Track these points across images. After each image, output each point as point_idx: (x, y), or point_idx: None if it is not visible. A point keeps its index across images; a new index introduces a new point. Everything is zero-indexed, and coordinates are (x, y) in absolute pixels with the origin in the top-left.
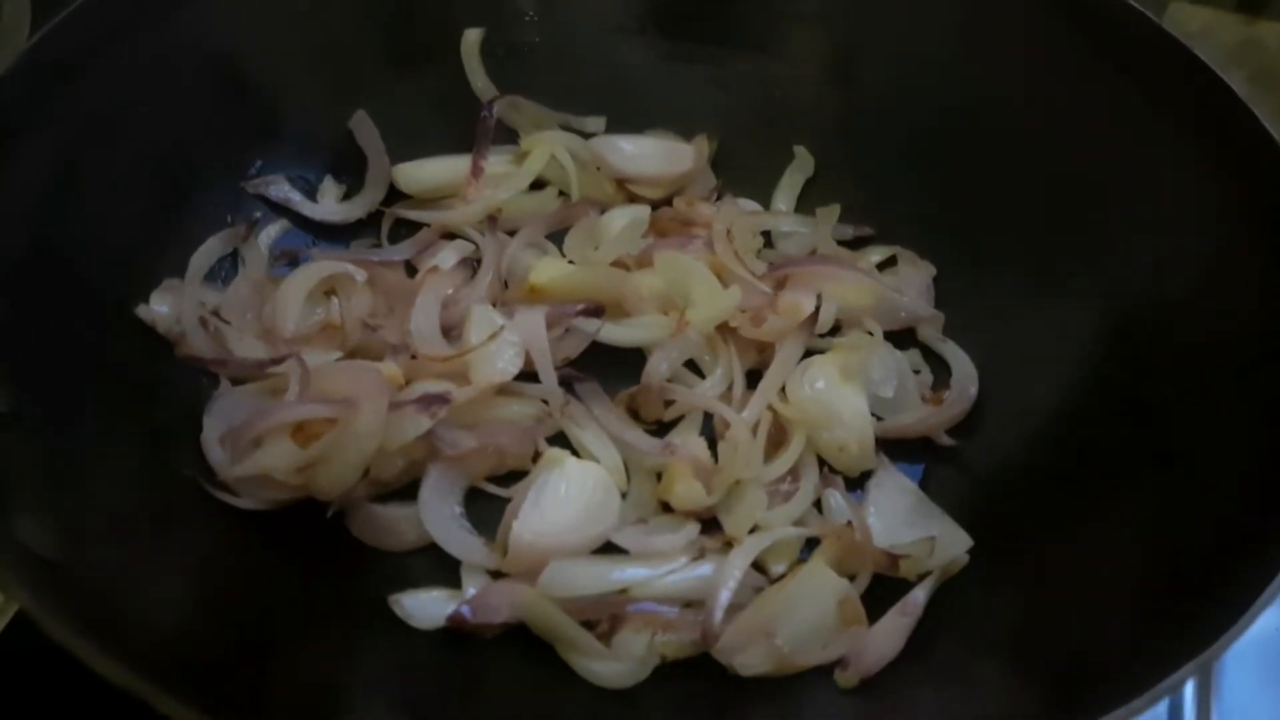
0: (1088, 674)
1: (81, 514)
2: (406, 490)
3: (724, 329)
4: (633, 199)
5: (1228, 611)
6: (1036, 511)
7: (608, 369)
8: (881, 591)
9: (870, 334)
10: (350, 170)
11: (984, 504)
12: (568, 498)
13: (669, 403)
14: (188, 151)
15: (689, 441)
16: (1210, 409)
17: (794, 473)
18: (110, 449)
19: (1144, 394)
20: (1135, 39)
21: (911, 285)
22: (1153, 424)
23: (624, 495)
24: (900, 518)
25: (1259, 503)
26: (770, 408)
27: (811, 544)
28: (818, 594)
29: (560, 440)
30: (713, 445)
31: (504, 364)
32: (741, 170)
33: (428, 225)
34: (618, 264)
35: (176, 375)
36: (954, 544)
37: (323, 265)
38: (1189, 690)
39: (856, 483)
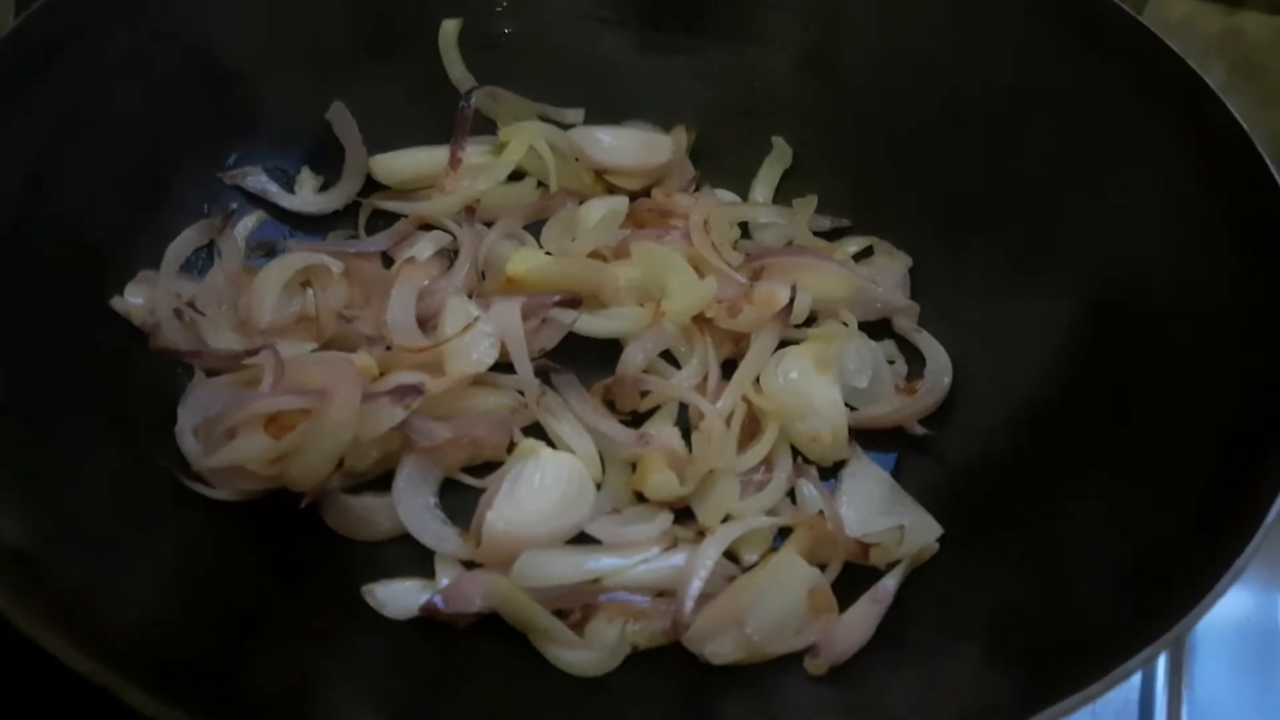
0: (1060, 657)
1: (54, 506)
2: (381, 481)
3: (700, 320)
4: (611, 190)
5: (1197, 589)
6: (1009, 498)
7: (584, 360)
8: (853, 580)
9: (845, 324)
10: (328, 161)
11: (957, 492)
12: (542, 488)
13: (645, 393)
14: (165, 142)
15: (663, 432)
16: (1181, 395)
17: (767, 463)
18: (84, 441)
19: (1116, 381)
20: (1113, 30)
21: (888, 276)
22: (1125, 410)
23: (599, 486)
24: (873, 507)
25: (1227, 485)
26: (745, 398)
27: (785, 533)
28: (788, 583)
29: (536, 431)
30: (688, 436)
31: (479, 355)
32: (720, 161)
33: (405, 216)
34: (595, 255)
35: (152, 367)
36: (925, 532)
37: (299, 256)
38: (1160, 679)
39: (830, 472)
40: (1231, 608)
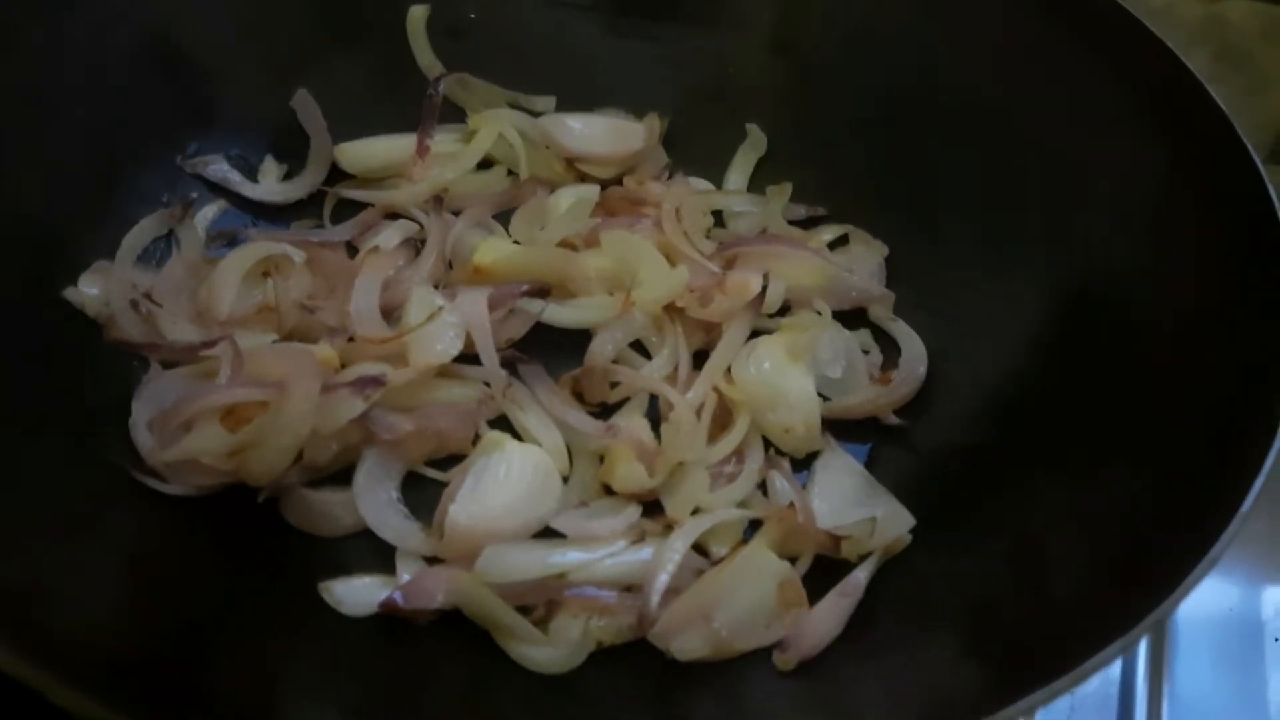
0: (1033, 648)
1: (2, 505)
2: (342, 475)
3: (671, 309)
4: (583, 178)
5: (1172, 579)
6: (983, 488)
7: (552, 350)
8: (825, 572)
9: (819, 314)
10: (292, 149)
11: (931, 482)
12: (507, 481)
13: (614, 384)
14: (122, 129)
15: (632, 423)
16: (1157, 384)
17: (738, 454)
18: (34, 435)
19: (1092, 370)
20: (1093, 14)
21: (863, 265)
22: (1099, 400)
23: (566, 478)
24: (845, 498)
25: (1203, 470)
26: (716, 389)
27: (756, 526)
28: (757, 577)
29: (502, 423)
30: (657, 427)
31: (443, 346)
32: (693, 148)
33: (371, 205)
34: (565, 244)
35: (106, 359)
36: (897, 523)
37: (260, 246)
38: (1141, 672)
39: (803, 464)
40: (1213, 600)
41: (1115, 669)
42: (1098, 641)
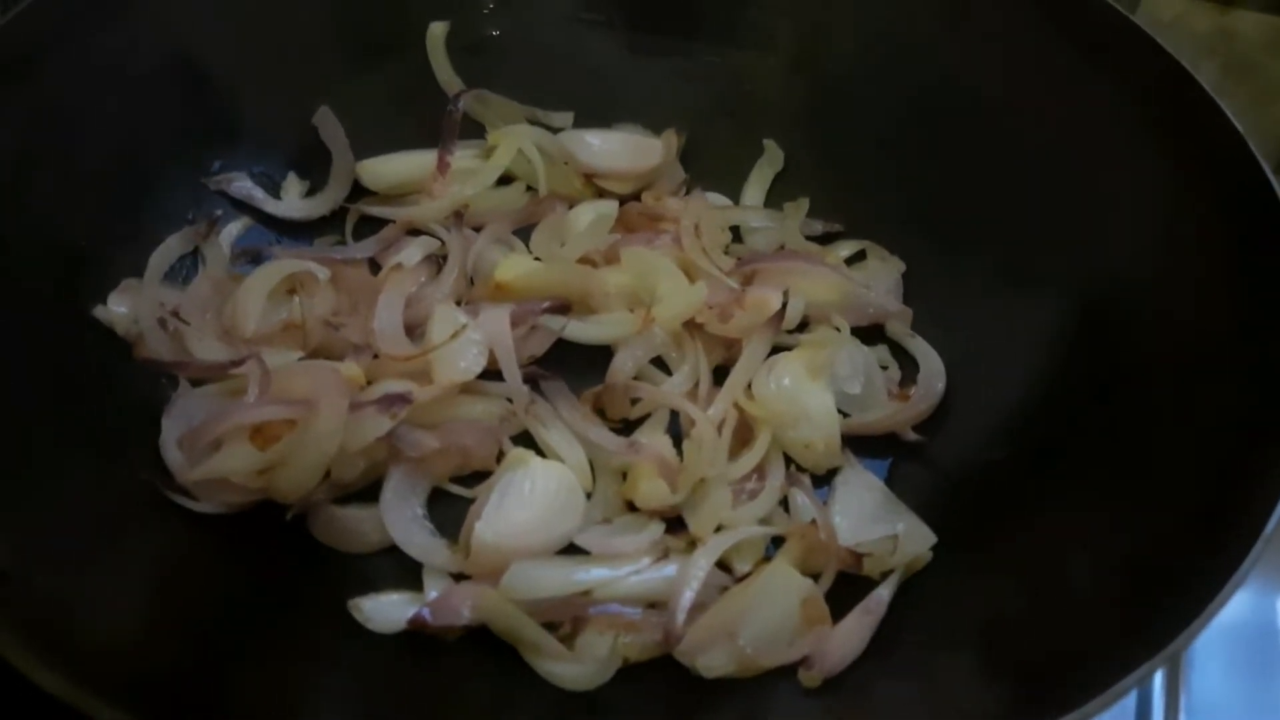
0: (1055, 668)
1: (31, 520)
2: (368, 491)
3: (691, 325)
4: (601, 194)
5: (1194, 602)
6: (1003, 505)
7: (574, 367)
8: (846, 589)
9: (838, 330)
10: (314, 167)
11: (950, 499)
12: (531, 498)
13: (635, 400)
14: (147, 149)
15: (654, 440)
16: (1177, 402)
17: (760, 471)
18: (64, 452)
19: (1110, 385)
20: (1106, 30)
21: (880, 281)
22: (1120, 417)
23: (589, 495)
24: (866, 515)
25: (1225, 491)
26: (736, 405)
27: (778, 542)
28: (780, 594)
29: (525, 440)
30: (679, 444)
31: (467, 363)
32: (711, 164)
33: (393, 222)
34: (585, 260)
35: (135, 377)
36: (918, 540)
37: (284, 264)
38: (1158, 682)
39: (823, 480)
40: (1229, 610)
41: None
42: (1120, 664)
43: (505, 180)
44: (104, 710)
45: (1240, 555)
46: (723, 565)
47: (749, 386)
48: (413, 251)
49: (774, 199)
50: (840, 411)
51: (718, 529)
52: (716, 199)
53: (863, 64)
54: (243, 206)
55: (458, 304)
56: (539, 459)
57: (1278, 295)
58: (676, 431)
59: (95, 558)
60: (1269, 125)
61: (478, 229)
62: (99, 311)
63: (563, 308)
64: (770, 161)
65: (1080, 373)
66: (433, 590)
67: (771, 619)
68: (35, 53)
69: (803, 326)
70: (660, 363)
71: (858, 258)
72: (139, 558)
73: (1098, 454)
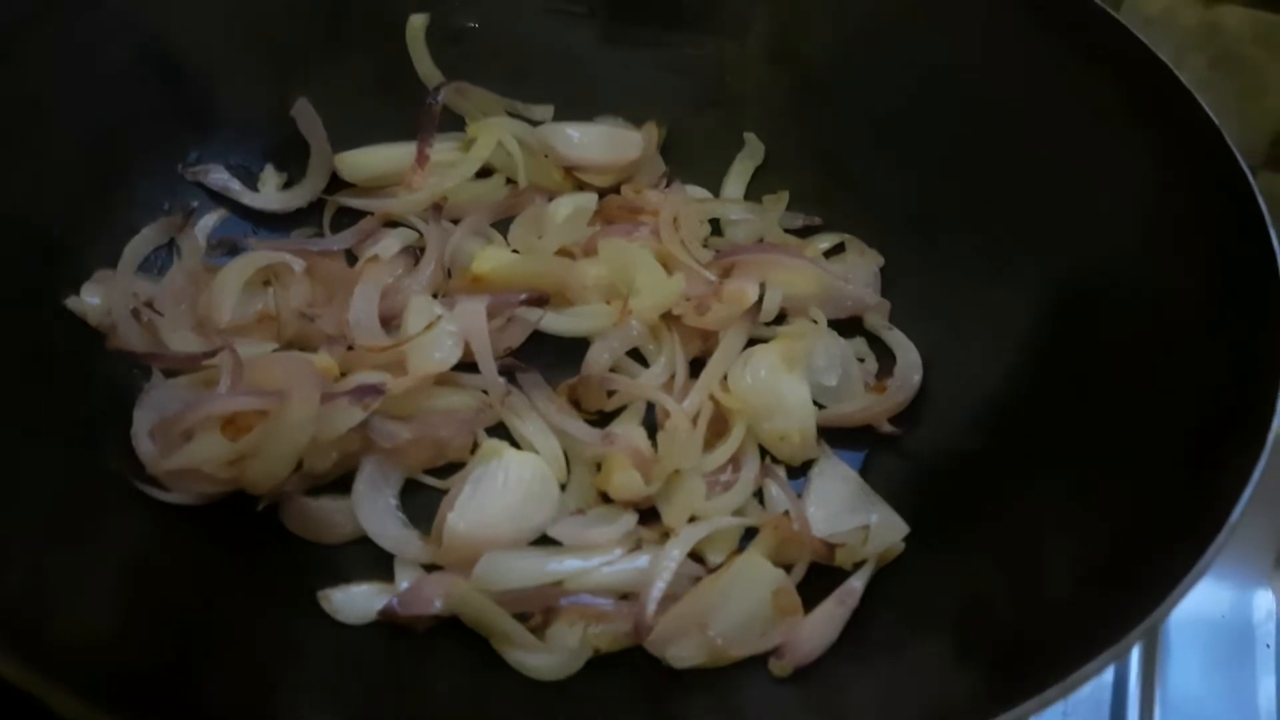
0: (1027, 656)
1: (2, 512)
2: (341, 482)
3: (668, 318)
4: (581, 186)
5: (1162, 585)
6: (977, 495)
7: (550, 358)
8: (820, 579)
9: (815, 322)
10: (292, 158)
11: (925, 490)
12: (505, 489)
13: (611, 392)
14: (122, 138)
15: (629, 431)
16: (1150, 391)
17: (734, 462)
18: (35, 444)
19: (1085, 378)
20: (1085, 26)
21: (858, 273)
22: (1093, 407)
23: (563, 486)
24: (840, 506)
25: (1195, 480)
26: (712, 397)
27: (752, 534)
28: (752, 585)
29: (500, 431)
30: (655, 435)
31: (441, 354)
32: (691, 156)
33: (370, 214)
34: (563, 252)
35: (108, 368)
36: (891, 531)
37: (260, 255)
38: (1133, 676)
39: (799, 471)
40: (1205, 605)
41: (1108, 673)
42: (1090, 649)
43: (485, 173)
44: (72, 703)
45: (1207, 540)
46: (696, 556)
47: (725, 378)
48: (390, 243)
49: (754, 192)
50: (817, 403)
51: (691, 520)
52: (696, 192)
53: (843, 58)
54: (219, 198)
55: (435, 296)
56: (513, 450)
57: (1252, 289)
58: (651, 423)
59: (66, 550)
60: (1256, 119)
61: (456, 221)
62: (72, 302)
63: (539, 300)
64: (750, 154)
65: (1055, 365)
66: (404, 581)
67: (743, 610)
68: (8, 39)
69: (780, 319)
70: (637, 355)
71: (836, 250)
72: (109, 549)
73: (1070, 444)
